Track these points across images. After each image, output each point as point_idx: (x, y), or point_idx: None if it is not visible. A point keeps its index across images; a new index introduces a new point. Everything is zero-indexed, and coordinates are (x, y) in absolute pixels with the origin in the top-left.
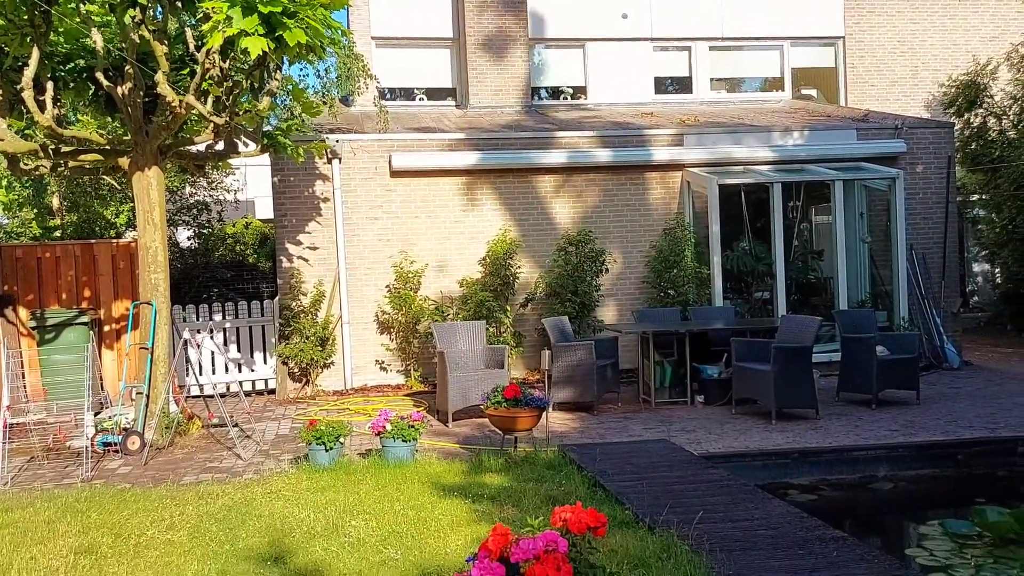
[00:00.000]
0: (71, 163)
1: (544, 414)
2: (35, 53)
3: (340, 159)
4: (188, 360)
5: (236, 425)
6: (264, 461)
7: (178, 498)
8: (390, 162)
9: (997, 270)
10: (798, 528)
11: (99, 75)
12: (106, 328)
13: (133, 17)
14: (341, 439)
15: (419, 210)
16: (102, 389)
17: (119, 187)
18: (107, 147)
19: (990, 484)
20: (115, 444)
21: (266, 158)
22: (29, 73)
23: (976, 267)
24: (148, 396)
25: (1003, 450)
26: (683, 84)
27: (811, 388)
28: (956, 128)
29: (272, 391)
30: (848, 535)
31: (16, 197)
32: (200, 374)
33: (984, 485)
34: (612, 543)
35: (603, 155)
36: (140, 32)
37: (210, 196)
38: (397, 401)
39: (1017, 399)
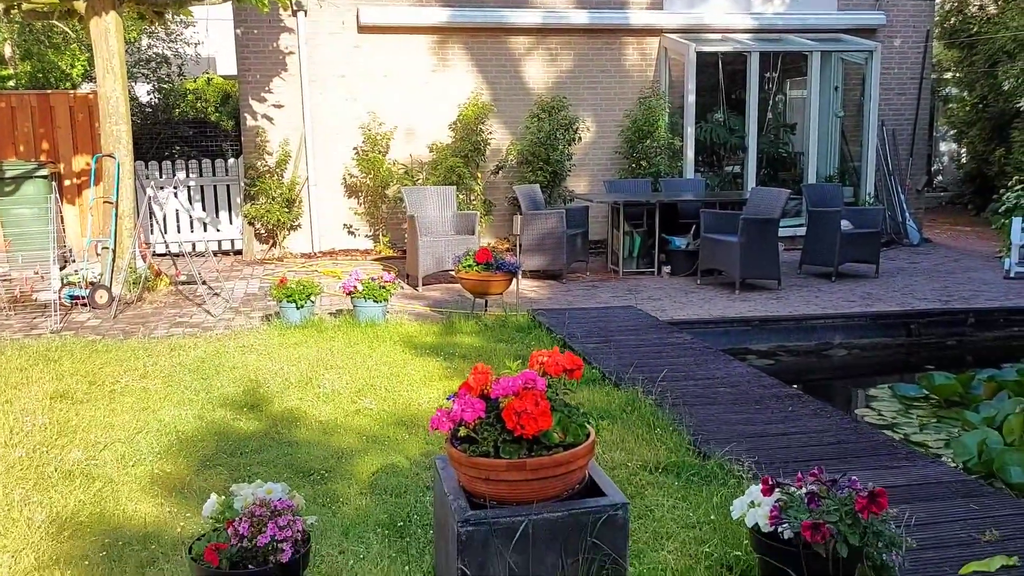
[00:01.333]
0: (24, 5)
1: (515, 280)
2: None
3: (306, 12)
4: (152, 215)
5: (205, 283)
6: (234, 318)
7: (150, 350)
8: (358, 16)
9: (963, 150)
10: (756, 386)
11: None
12: (66, 183)
13: None
14: (312, 298)
15: (388, 69)
16: (65, 245)
17: (74, 35)
18: None
19: (940, 353)
20: (82, 298)
21: (228, 11)
22: None
23: (943, 146)
24: (114, 251)
25: (954, 321)
26: None
27: (775, 260)
28: (937, 1)
29: (239, 252)
30: (803, 393)
31: None
32: (166, 232)
33: (934, 353)
34: (580, 397)
35: (579, 16)
36: None
37: (169, 49)
38: (366, 265)
39: (971, 274)
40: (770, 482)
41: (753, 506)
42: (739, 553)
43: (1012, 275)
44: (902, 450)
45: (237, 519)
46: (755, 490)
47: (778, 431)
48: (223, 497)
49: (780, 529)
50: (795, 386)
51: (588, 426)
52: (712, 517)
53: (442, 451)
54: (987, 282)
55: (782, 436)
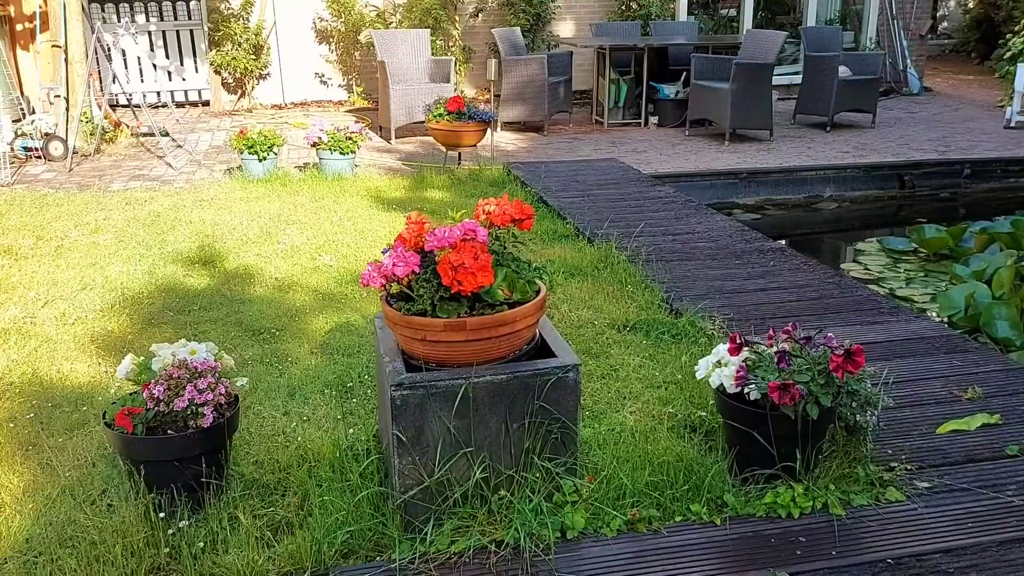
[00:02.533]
0: None
1: (489, 130)
2: None
3: None
4: (111, 61)
5: (167, 134)
6: (196, 171)
7: (104, 203)
8: None
9: None
10: (738, 241)
11: None
12: (18, 27)
13: None
14: (275, 149)
15: None
16: (21, 96)
17: None
18: None
19: (933, 205)
20: (37, 149)
21: None
22: None
23: None
24: (67, 100)
25: (950, 172)
26: None
27: (768, 108)
28: None
29: (206, 103)
30: (787, 247)
31: None
32: (127, 81)
33: (927, 206)
34: (551, 253)
35: None
36: None
37: None
38: (339, 116)
39: (970, 124)
40: (738, 340)
41: (719, 366)
42: (704, 413)
43: (1012, 124)
44: (885, 305)
45: (153, 381)
46: (722, 349)
47: (757, 287)
48: (140, 358)
49: (746, 390)
50: (781, 241)
51: (539, 282)
52: (679, 377)
53: None
54: (987, 132)
55: (761, 292)
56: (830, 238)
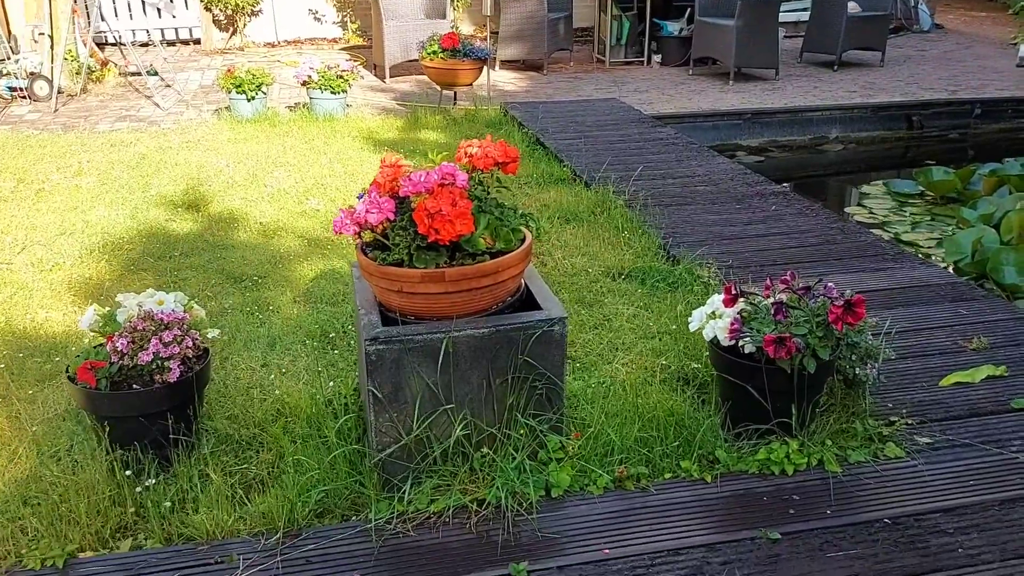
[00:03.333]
0: None
1: (486, 68)
2: None
3: None
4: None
5: (155, 74)
6: (185, 111)
7: (88, 145)
8: None
9: None
10: (740, 184)
11: None
12: None
13: None
14: (264, 89)
15: None
16: (8, 35)
17: None
18: None
19: (941, 146)
20: (21, 89)
21: None
22: None
23: None
24: (51, 38)
25: (960, 112)
26: None
27: (774, 45)
28: None
29: (197, 41)
30: (789, 191)
31: None
32: (116, 18)
33: (935, 147)
34: (547, 198)
35: None
36: None
37: None
38: (333, 54)
39: (982, 62)
40: (733, 291)
41: (714, 317)
42: (698, 366)
43: None
44: (890, 251)
45: (117, 334)
46: (717, 299)
47: (758, 232)
48: (105, 309)
49: (741, 343)
50: (784, 184)
51: (524, 230)
52: (673, 327)
53: None
54: (998, 71)
55: (761, 238)
56: (835, 181)
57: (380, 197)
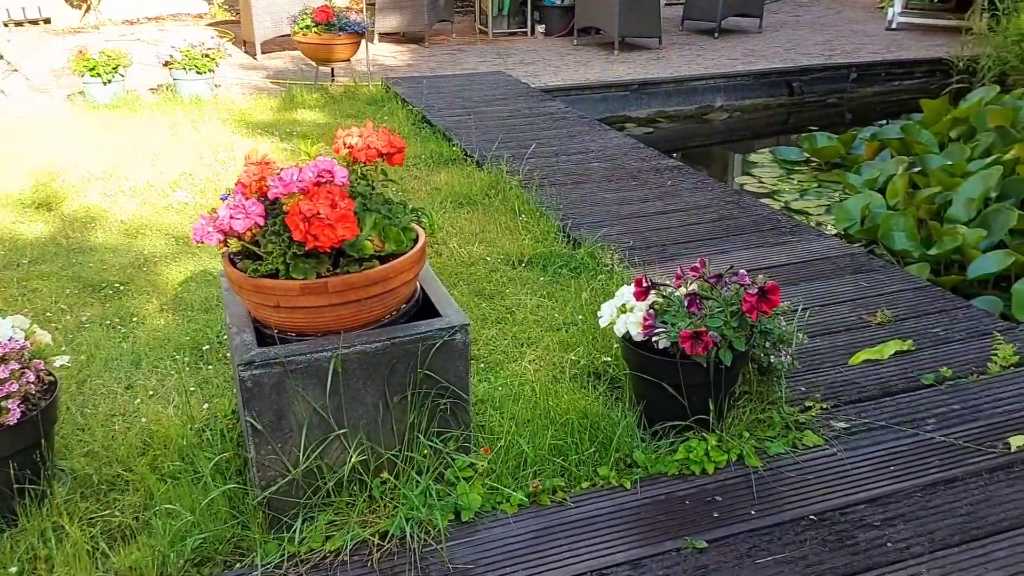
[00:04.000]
0: None
1: (364, 42)
2: None
3: None
4: None
5: (0, 57)
6: (34, 98)
7: None
8: None
9: None
10: (633, 159)
11: None
12: None
13: None
14: (121, 71)
15: None
16: None
17: None
18: None
19: (822, 111)
20: None
21: None
22: None
23: None
24: None
25: (836, 76)
26: None
27: (656, 14)
28: None
29: (47, 20)
30: (683, 164)
31: None
32: None
33: (816, 112)
34: (437, 180)
35: None
36: None
37: None
38: (198, 31)
39: (854, 26)
40: (644, 283)
41: (624, 311)
42: (608, 359)
43: (894, 26)
44: (787, 224)
45: None
46: (627, 292)
47: (656, 210)
48: None
49: (655, 338)
50: (674, 155)
51: (417, 228)
52: (580, 317)
53: None
54: (869, 34)
55: (660, 215)
56: (723, 149)
57: (246, 200)
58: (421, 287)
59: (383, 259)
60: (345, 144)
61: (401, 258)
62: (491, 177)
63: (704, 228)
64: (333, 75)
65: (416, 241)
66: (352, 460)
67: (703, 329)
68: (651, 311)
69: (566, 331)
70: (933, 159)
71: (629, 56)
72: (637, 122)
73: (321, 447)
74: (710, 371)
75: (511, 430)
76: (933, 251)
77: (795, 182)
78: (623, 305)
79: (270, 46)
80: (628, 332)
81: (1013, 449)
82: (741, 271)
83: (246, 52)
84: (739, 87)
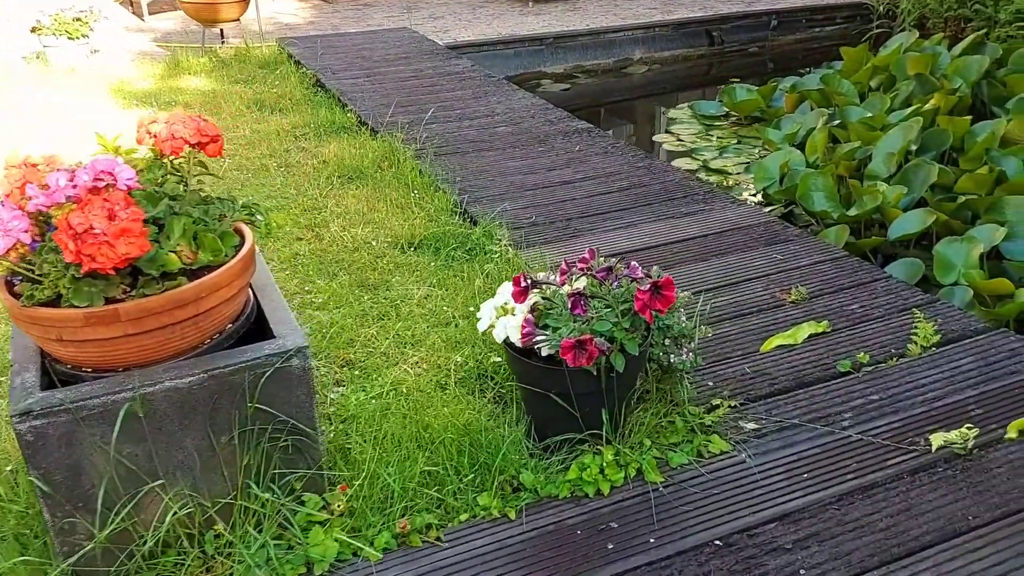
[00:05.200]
0: None
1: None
2: None
3: None
4: None
5: None
6: None
7: None
8: None
9: None
10: (541, 122)
11: None
12: None
13: None
14: None
15: None
16: None
17: None
18: None
19: (742, 61)
20: None
21: None
22: None
23: None
24: None
25: (757, 24)
26: None
27: None
28: None
29: None
30: (594, 126)
31: None
32: None
33: (737, 63)
34: (326, 152)
35: None
36: None
37: None
38: None
39: None
40: (523, 281)
41: (505, 312)
42: (499, 358)
43: None
44: (699, 190)
45: None
46: (507, 290)
47: (562, 179)
48: None
49: (536, 347)
50: (592, 120)
51: (243, 230)
52: (471, 309)
53: None
54: None
55: (567, 185)
56: (643, 104)
57: (10, 211)
58: (256, 300)
59: (196, 273)
60: (148, 133)
61: (217, 272)
62: (385, 147)
63: (612, 199)
64: (223, 37)
65: (240, 248)
66: (177, 513)
67: (587, 336)
68: (530, 317)
69: (455, 326)
70: (853, 111)
71: (545, 8)
72: (553, 78)
73: (133, 503)
74: (601, 379)
75: (378, 457)
76: (853, 211)
77: (714, 139)
78: (504, 304)
79: (159, 6)
80: (509, 338)
81: (934, 448)
82: (633, 263)
83: (133, 13)
84: (658, 38)
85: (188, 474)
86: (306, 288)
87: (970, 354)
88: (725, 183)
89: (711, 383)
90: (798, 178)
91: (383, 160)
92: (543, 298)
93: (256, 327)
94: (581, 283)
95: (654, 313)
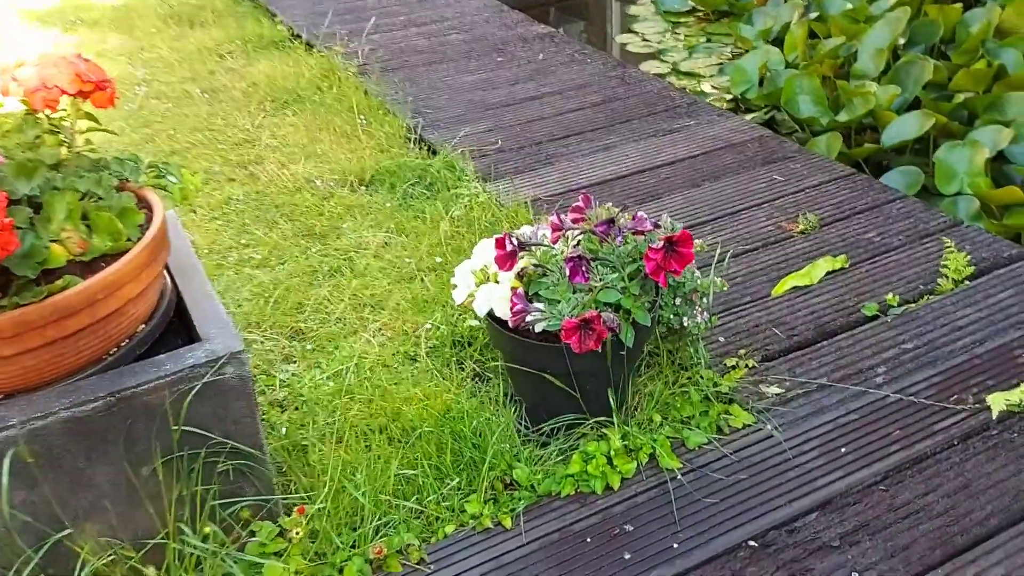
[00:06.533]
0: None
1: None
2: None
3: None
4: None
5: None
6: None
7: None
8: None
9: None
10: (497, 26)
11: None
12: None
13: None
14: None
15: None
16: None
17: None
18: None
19: None
20: None
21: None
22: None
23: None
24: None
25: None
26: None
27: None
28: None
29: None
30: (556, 30)
31: None
32: None
33: None
34: (255, 72)
35: None
36: None
37: None
38: None
39: None
40: (508, 244)
41: (486, 278)
42: (476, 321)
43: None
44: (682, 101)
45: None
46: (487, 247)
47: (527, 94)
48: None
49: (530, 325)
50: (544, 22)
51: (150, 199)
52: (438, 259)
53: None
54: None
55: (533, 101)
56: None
57: None
58: (175, 287)
59: (91, 266)
60: (13, 79)
61: (119, 264)
62: (323, 63)
63: (585, 116)
64: None
65: (147, 226)
66: (91, 568)
67: (593, 313)
68: (520, 292)
69: (420, 281)
70: (832, 2)
71: None
72: None
73: (41, 552)
74: (607, 355)
75: (342, 461)
76: (843, 116)
77: (681, 37)
78: (483, 268)
79: None
80: (492, 310)
81: (994, 414)
82: (639, 214)
83: None
84: None
85: (103, 516)
86: (243, 241)
87: (1008, 287)
88: (699, 87)
89: (722, 338)
90: (781, 81)
91: (322, 80)
92: (535, 264)
93: (178, 319)
94: (578, 242)
95: (669, 279)
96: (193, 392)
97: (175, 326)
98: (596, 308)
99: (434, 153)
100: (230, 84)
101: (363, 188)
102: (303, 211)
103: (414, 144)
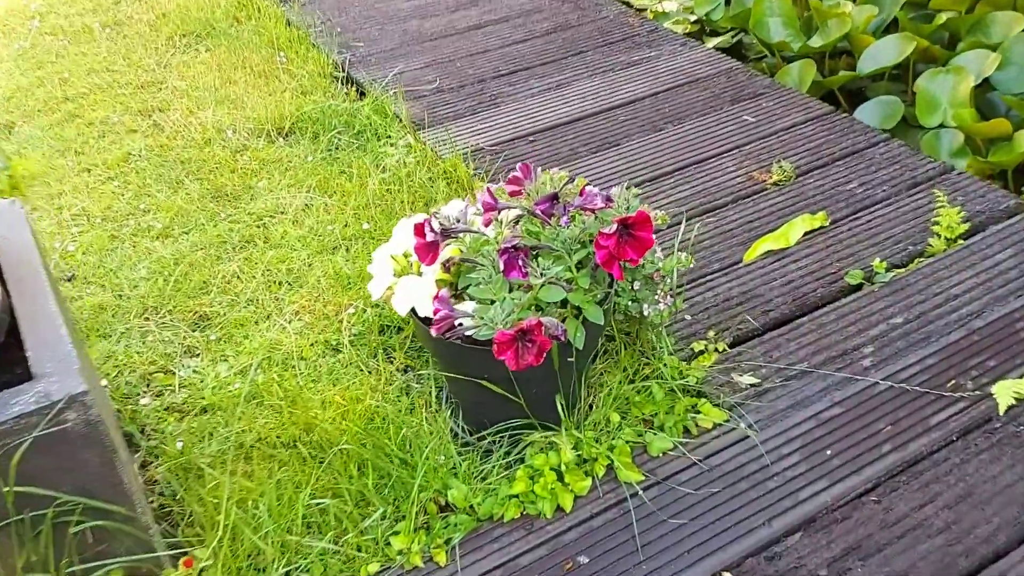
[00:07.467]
0: None
1: None
2: None
3: None
4: None
5: None
6: None
7: None
8: None
9: None
10: None
11: None
12: None
13: None
14: None
15: None
16: None
17: None
18: None
19: None
20: None
21: None
22: None
23: None
24: None
25: None
26: None
27: None
28: None
29: None
30: None
31: None
32: None
33: None
34: (164, 2)
35: None
36: None
37: None
38: None
39: None
40: (429, 232)
41: (405, 268)
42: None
43: None
44: (641, 29)
45: None
46: (406, 229)
47: (470, 22)
48: None
49: (457, 334)
50: None
51: None
52: (365, 225)
53: None
54: None
55: (476, 31)
56: None
57: None
58: (8, 300)
59: None
60: None
61: None
62: None
63: (535, 48)
64: None
65: None
66: None
67: (533, 322)
68: (444, 294)
69: (346, 251)
70: None
71: None
72: None
73: None
74: (554, 360)
75: (245, 493)
76: (816, 41)
77: None
78: (405, 255)
79: None
80: (415, 310)
81: (1002, 410)
82: (589, 189)
83: None
84: None
85: None
86: (142, 206)
87: (1006, 246)
88: (660, 7)
89: (688, 316)
90: (750, 1)
91: (239, 10)
92: (463, 252)
93: (15, 340)
94: (516, 221)
95: (624, 265)
96: (26, 446)
97: (10, 349)
98: (538, 309)
99: (363, 95)
100: (136, 16)
101: (281, 139)
102: (212, 168)
103: (341, 84)
